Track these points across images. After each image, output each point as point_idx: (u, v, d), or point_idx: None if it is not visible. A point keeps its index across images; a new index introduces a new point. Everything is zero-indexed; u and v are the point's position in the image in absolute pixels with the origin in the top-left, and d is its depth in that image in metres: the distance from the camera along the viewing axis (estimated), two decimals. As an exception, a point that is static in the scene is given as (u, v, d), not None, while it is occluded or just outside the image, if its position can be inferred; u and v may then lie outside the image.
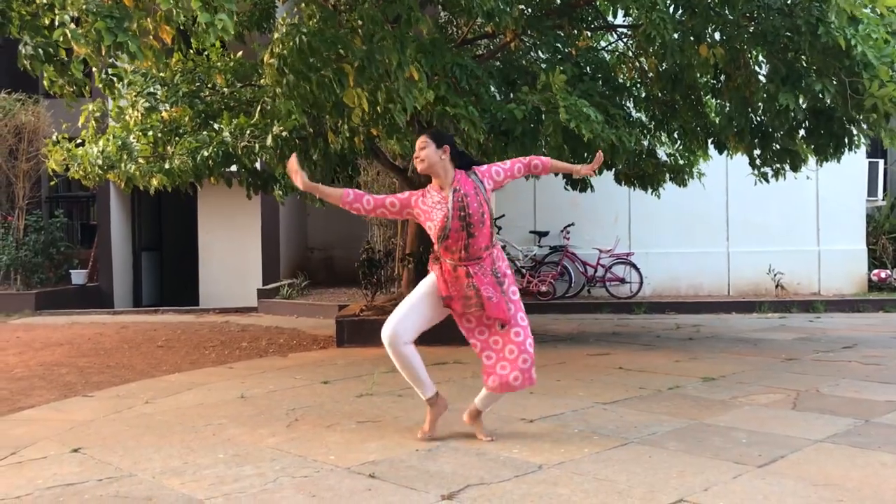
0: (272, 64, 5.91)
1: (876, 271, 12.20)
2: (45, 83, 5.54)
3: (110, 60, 5.55)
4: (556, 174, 4.34)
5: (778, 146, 7.63)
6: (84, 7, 4.08)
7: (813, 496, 3.30)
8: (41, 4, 4.71)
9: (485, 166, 4.26)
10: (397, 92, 5.87)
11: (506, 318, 4.08)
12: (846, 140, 7.24)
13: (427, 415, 4.31)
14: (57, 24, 4.37)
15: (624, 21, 8.25)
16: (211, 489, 3.49)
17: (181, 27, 4.25)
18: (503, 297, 4.09)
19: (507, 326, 4.10)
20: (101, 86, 5.96)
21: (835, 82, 6.27)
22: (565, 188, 9.23)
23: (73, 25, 4.30)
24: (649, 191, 9.19)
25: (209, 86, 7.90)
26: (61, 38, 4.37)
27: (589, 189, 9.09)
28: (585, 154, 7.77)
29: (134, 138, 7.68)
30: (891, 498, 3.28)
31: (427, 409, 4.30)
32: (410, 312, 4.20)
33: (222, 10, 3.99)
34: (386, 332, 4.18)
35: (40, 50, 4.81)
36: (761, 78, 6.91)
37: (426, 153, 4.13)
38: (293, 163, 4.20)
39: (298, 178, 4.14)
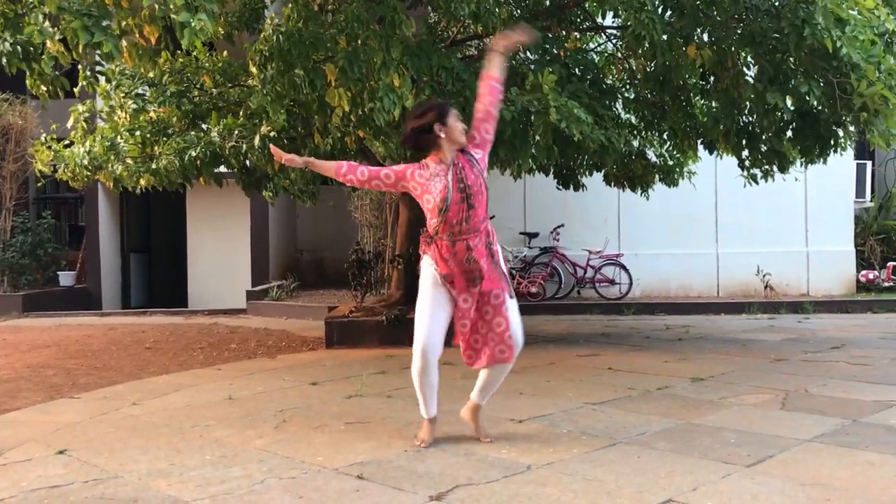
0: (255, 61, 5.91)
1: (864, 272, 12.26)
2: (28, 82, 5.49)
3: (95, 59, 5.51)
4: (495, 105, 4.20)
5: (765, 147, 7.66)
6: (61, 4, 4.01)
7: (801, 496, 3.30)
8: (27, 4, 4.66)
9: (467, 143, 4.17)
10: (378, 92, 5.86)
11: (497, 286, 4.07)
12: (832, 142, 7.27)
13: (426, 427, 4.21)
14: (31, 21, 4.31)
15: (613, 22, 8.26)
16: (198, 490, 3.47)
17: (169, 25, 4.20)
18: (495, 269, 4.09)
19: (500, 303, 4.08)
20: (84, 83, 5.90)
21: (822, 83, 6.29)
22: (557, 187, 9.23)
23: (46, 23, 4.24)
24: (639, 192, 9.20)
25: (197, 86, 7.87)
26: (34, 35, 4.30)
27: (582, 188, 9.07)
28: (576, 155, 7.79)
29: (121, 139, 7.65)
30: (878, 497, 3.29)
31: (426, 423, 4.21)
32: (434, 323, 4.07)
33: (203, 9, 3.92)
34: (420, 344, 4.05)
35: (19, 48, 4.74)
36: (749, 79, 6.93)
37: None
38: (278, 150, 4.35)
39: (286, 158, 4.26)
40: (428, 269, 4.16)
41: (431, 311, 4.09)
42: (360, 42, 5.92)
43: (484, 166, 4.12)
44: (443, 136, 4.04)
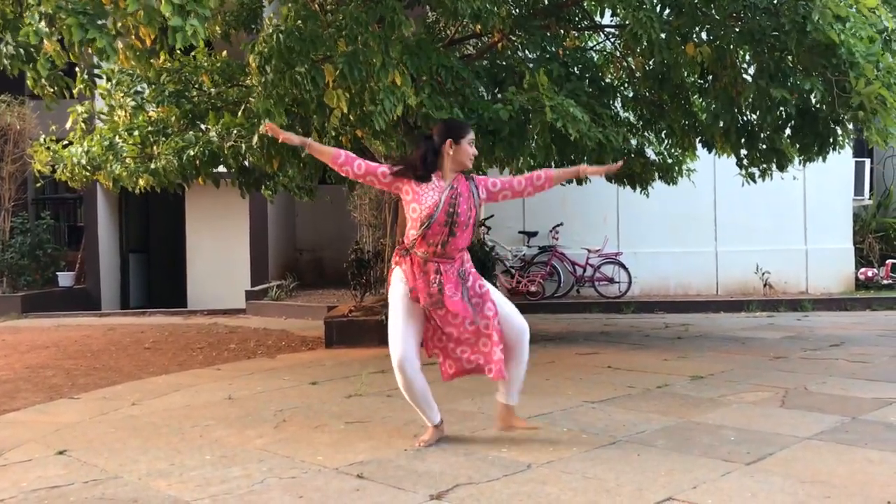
0: (255, 62, 5.90)
1: (863, 270, 12.26)
2: (29, 83, 5.48)
3: (93, 61, 5.49)
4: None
5: (764, 146, 7.65)
6: (59, 3, 3.99)
7: (801, 493, 3.31)
8: (27, 3, 4.65)
9: (483, 176, 4.24)
10: (378, 94, 5.85)
11: (466, 314, 4.00)
12: (830, 140, 7.27)
13: (430, 432, 4.18)
14: (28, 21, 4.30)
15: (611, 21, 8.26)
16: (197, 490, 3.47)
17: (165, 26, 4.19)
18: (463, 295, 4.01)
19: (480, 322, 4.04)
20: (82, 86, 5.88)
21: (821, 81, 6.30)
22: (561, 183, 9.20)
23: (42, 23, 4.23)
24: (638, 190, 9.20)
25: (195, 86, 7.87)
26: (29, 37, 4.28)
27: (586, 182, 9.03)
28: (573, 154, 7.79)
29: (120, 139, 7.64)
30: (877, 494, 3.29)
31: (431, 429, 4.19)
32: (407, 333, 4.03)
33: (194, 14, 3.91)
34: (396, 361, 4.01)
35: (21, 50, 4.74)
36: (747, 77, 6.93)
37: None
38: (275, 128, 4.23)
39: (283, 136, 4.15)
40: (397, 283, 4.10)
41: (404, 324, 4.04)
42: (359, 44, 5.91)
43: (481, 205, 4.15)
44: (450, 153, 4.05)
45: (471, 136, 4.15)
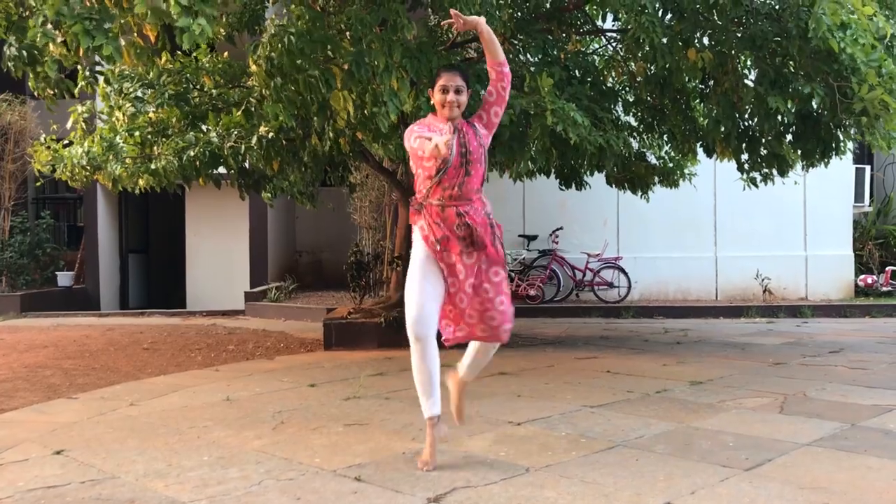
0: (261, 66, 5.88)
1: (863, 276, 12.27)
2: (31, 84, 5.49)
3: (95, 60, 5.49)
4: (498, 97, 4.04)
5: (765, 151, 7.66)
6: (60, 10, 3.99)
7: (799, 499, 3.30)
8: (29, 6, 4.65)
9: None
10: (382, 96, 5.85)
11: (500, 263, 3.90)
12: (833, 145, 7.27)
13: (427, 437, 3.81)
14: (33, 24, 4.29)
15: (613, 25, 8.27)
16: (195, 492, 3.46)
17: (167, 24, 4.19)
18: (495, 242, 3.90)
19: (500, 280, 3.92)
20: (83, 83, 5.88)
21: (823, 87, 6.30)
22: (560, 188, 9.22)
23: (49, 26, 4.22)
24: (639, 193, 9.21)
25: (197, 87, 7.86)
26: (37, 39, 4.28)
27: (586, 187, 9.02)
28: (573, 158, 7.80)
29: (120, 139, 7.64)
30: (876, 501, 3.28)
31: (428, 429, 3.80)
32: (423, 295, 3.78)
33: (202, 14, 3.90)
34: (410, 326, 3.75)
35: (24, 52, 4.74)
36: (749, 83, 6.93)
37: (463, 100, 3.92)
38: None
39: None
40: (419, 243, 3.93)
41: (421, 285, 3.82)
42: (364, 45, 5.91)
43: (486, 142, 3.98)
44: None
45: (441, 81, 3.91)
